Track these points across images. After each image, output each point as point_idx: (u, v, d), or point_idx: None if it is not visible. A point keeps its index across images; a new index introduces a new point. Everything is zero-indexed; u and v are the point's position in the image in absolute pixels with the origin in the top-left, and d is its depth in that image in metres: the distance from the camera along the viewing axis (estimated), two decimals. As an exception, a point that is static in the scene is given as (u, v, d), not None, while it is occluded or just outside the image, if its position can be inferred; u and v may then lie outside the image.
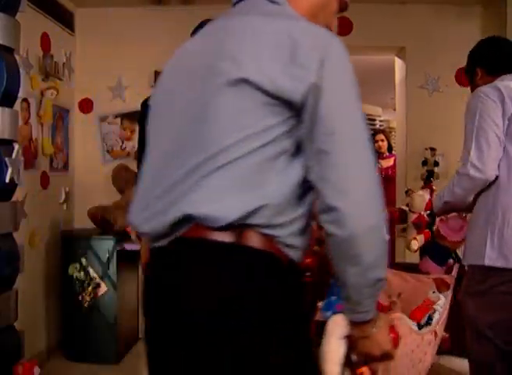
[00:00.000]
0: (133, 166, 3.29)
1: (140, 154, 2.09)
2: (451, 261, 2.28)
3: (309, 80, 0.88)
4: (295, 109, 0.89)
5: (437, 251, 2.25)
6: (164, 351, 0.91)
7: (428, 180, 3.53)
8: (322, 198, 0.88)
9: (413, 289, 1.87)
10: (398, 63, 3.89)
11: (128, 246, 3.13)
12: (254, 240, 0.87)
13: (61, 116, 3.40)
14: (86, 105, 3.61)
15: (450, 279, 1.94)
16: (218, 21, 1.04)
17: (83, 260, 3.07)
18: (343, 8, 1.16)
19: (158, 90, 1.08)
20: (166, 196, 0.91)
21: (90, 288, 3.06)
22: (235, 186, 0.87)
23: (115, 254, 3.07)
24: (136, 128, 3.51)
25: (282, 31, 0.91)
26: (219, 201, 0.86)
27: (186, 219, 0.88)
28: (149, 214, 0.93)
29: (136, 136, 3.46)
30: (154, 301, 0.93)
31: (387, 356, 0.98)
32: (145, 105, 2.08)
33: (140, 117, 2.14)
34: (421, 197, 2.47)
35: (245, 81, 0.87)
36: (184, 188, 0.89)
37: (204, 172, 0.88)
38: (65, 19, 3.48)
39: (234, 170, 0.87)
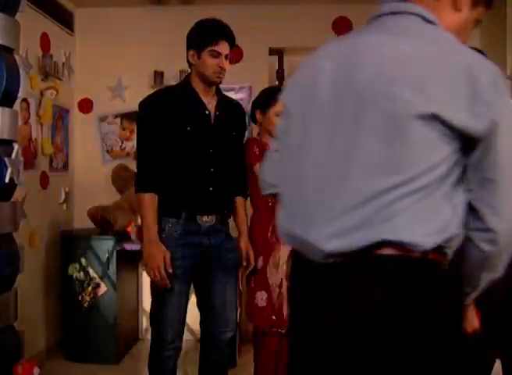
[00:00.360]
0: (132, 166, 3.28)
1: (140, 153, 2.08)
2: None
3: (490, 117, 0.95)
4: (469, 141, 0.97)
5: None
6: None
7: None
8: (482, 220, 1.00)
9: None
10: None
11: (128, 246, 3.13)
12: (439, 257, 0.98)
13: (60, 116, 3.41)
14: (85, 105, 3.62)
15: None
16: (369, 37, 1.08)
17: (83, 260, 3.08)
18: (477, 24, 1.15)
19: (296, 97, 1.11)
20: (355, 213, 0.96)
21: (89, 288, 3.07)
22: (426, 212, 0.96)
23: (114, 254, 3.08)
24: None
25: (459, 63, 0.97)
26: (416, 228, 0.95)
27: (383, 242, 0.95)
28: (338, 230, 0.97)
29: (135, 136, 3.49)
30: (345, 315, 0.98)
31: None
32: (143, 105, 2.08)
33: (138, 117, 2.14)
34: None
35: (435, 116, 0.94)
36: (377, 208, 0.95)
37: (399, 194, 0.94)
38: (65, 19, 3.49)
39: (424, 197, 0.95)
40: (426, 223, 0.95)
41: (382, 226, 0.94)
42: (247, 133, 2.43)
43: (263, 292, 2.31)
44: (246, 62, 3.51)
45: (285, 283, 2.27)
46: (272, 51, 3.66)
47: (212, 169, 2.06)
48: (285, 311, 2.26)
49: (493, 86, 0.96)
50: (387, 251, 0.95)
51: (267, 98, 2.43)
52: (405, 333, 0.95)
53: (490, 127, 0.95)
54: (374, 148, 0.96)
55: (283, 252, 2.27)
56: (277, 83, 3.81)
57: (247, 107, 3.09)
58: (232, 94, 3.32)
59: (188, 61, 2.10)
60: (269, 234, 2.31)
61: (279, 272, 2.27)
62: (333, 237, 0.97)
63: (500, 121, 0.96)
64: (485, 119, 0.95)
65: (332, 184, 0.99)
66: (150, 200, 2.00)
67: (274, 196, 1.24)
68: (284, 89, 1.22)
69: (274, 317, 2.30)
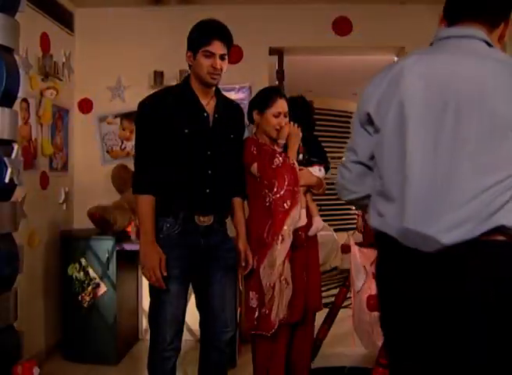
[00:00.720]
0: (132, 166, 3.29)
1: (138, 154, 2.08)
2: None
3: None
4: None
5: None
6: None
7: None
8: None
9: None
10: (398, 63, 3.90)
11: (127, 246, 3.14)
12: None
13: (60, 116, 3.41)
14: (85, 105, 3.63)
15: None
16: (448, 56, 1.28)
17: (83, 260, 3.09)
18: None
19: (388, 113, 1.28)
20: (467, 207, 1.15)
21: (89, 288, 3.08)
22: None
23: (114, 254, 3.08)
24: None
25: None
26: None
27: (496, 229, 1.14)
28: (453, 223, 1.16)
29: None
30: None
31: None
32: (142, 106, 2.08)
33: (136, 118, 2.13)
34: None
35: None
36: (486, 202, 1.14)
37: (501, 189, 1.14)
38: (65, 19, 3.49)
39: None
40: None
41: (494, 216, 1.14)
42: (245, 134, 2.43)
43: (254, 293, 2.31)
44: (246, 62, 3.52)
45: (278, 285, 2.28)
46: (272, 51, 3.66)
47: (210, 171, 2.07)
48: (273, 315, 2.27)
49: None
50: (498, 237, 1.15)
51: (264, 99, 2.44)
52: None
53: None
54: (477, 153, 1.16)
55: (280, 252, 2.28)
56: (277, 83, 3.82)
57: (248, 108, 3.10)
58: (232, 95, 3.34)
59: (188, 62, 2.11)
60: (265, 234, 2.31)
61: (274, 273, 2.28)
62: (451, 229, 1.16)
63: None
64: None
65: (442, 185, 1.18)
66: (147, 201, 2.00)
67: (354, 202, 1.49)
68: (365, 100, 1.37)
69: (258, 320, 2.29)
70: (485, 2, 1.32)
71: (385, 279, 1.34)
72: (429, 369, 1.26)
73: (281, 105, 2.40)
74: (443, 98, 1.21)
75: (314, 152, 2.58)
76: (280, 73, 3.84)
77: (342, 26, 3.57)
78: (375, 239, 1.37)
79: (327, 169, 2.63)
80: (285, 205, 2.30)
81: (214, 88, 2.13)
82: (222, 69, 2.05)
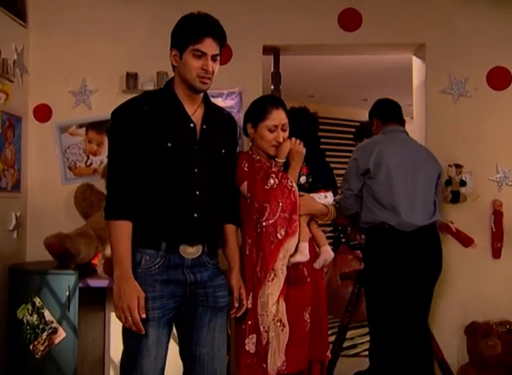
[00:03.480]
0: (99, 185, 3.33)
1: (112, 173, 2.09)
2: None
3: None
4: None
5: None
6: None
7: (453, 202, 3.58)
8: None
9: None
10: (416, 63, 3.98)
11: (93, 282, 3.12)
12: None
13: (11, 124, 3.42)
14: (42, 113, 3.65)
15: None
16: (396, 141, 3.27)
17: (37, 300, 3.07)
18: None
19: (396, 164, 3.16)
20: (425, 210, 3.13)
21: (44, 335, 3.06)
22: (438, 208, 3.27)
23: (76, 292, 3.07)
24: (106, 141, 3.54)
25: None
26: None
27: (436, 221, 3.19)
28: (421, 217, 3.08)
29: (105, 150, 3.49)
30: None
31: None
32: (116, 115, 2.10)
33: (109, 130, 2.15)
34: None
35: (439, 175, 3.31)
36: (432, 209, 3.17)
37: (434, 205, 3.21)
38: (16, 7, 3.45)
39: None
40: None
41: (435, 215, 3.15)
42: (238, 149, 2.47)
43: (254, 335, 2.33)
44: (235, 63, 3.57)
45: (273, 328, 2.29)
46: (266, 50, 3.72)
47: (198, 193, 2.09)
48: (269, 364, 2.30)
49: None
50: (433, 222, 3.15)
51: (258, 110, 2.48)
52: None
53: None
54: (423, 188, 3.14)
55: (272, 291, 2.30)
56: (272, 87, 3.87)
57: (238, 116, 3.14)
58: (219, 101, 3.39)
59: (171, 63, 2.14)
60: (258, 268, 2.33)
61: (267, 314, 2.29)
62: (420, 220, 3.06)
63: None
64: None
65: (414, 200, 3.09)
66: (123, 229, 2.02)
67: (351, 215, 3.27)
68: (364, 161, 3.17)
69: (264, 365, 2.31)
70: (400, 112, 3.41)
71: (377, 249, 3.16)
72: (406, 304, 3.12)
73: (277, 117, 2.43)
74: (406, 164, 3.14)
75: (319, 174, 2.61)
76: (276, 76, 3.89)
77: (349, 20, 3.63)
78: (367, 229, 3.20)
79: (335, 194, 2.67)
80: (278, 234, 2.33)
81: (202, 95, 2.17)
82: (213, 72, 2.10)
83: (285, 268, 2.33)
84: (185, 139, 2.10)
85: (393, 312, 3.07)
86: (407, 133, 3.33)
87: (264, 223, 2.33)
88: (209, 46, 2.07)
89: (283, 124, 2.44)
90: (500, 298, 3.59)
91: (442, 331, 3.57)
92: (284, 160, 2.46)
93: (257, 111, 2.48)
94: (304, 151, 2.47)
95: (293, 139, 2.47)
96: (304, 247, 2.42)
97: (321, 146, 2.93)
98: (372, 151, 3.12)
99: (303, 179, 2.53)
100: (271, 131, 2.43)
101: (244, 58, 3.59)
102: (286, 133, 2.46)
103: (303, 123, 2.65)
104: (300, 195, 2.44)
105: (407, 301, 3.07)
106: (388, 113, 3.36)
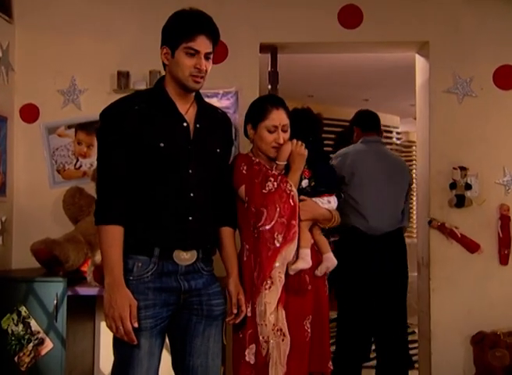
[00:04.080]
0: (89, 188, 3.32)
1: (102, 175, 2.09)
2: None
3: None
4: None
5: None
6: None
7: (458, 207, 3.58)
8: None
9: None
10: (419, 62, 3.99)
11: (82, 290, 3.12)
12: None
13: (-3, 125, 3.42)
14: (29, 113, 3.65)
15: None
16: (373, 150, 3.64)
17: (23, 309, 3.06)
18: None
19: (369, 172, 3.51)
20: (392, 218, 3.51)
21: (30, 346, 3.05)
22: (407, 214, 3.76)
23: (64, 300, 3.06)
24: (95, 142, 3.55)
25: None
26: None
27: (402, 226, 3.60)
28: (389, 224, 3.45)
29: (95, 151, 3.49)
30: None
31: None
32: (106, 115, 2.11)
33: (99, 130, 2.15)
34: None
35: (410, 184, 3.74)
36: (400, 217, 3.55)
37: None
38: (0, 2, 3.45)
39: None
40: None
41: (403, 222, 3.56)
42: (233, 150, 2.47)
43: (253, 345, 2.32)
44: (231, 62, 3.58)
45: (273, 338, 2.29)
46: (263, 48, 3.72)
47: (192, 195, 2.10)
48: (271, 374, 2.29)
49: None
50: (400, 229, 3.54)
51: (257, 110, 2.49)
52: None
53: None
54: (392, 197, 3.52)
55: (270, 300, 2.30)
56: (270, 87, 3.88)
57: (234, 117, 3.15)
58: (215, 101, 3.40)
59: (162, 61, 2.15)
60: (255, 273, 2.34)
61: (266, 324, 2.29)
62: (388, 225, 3.43)
63: None
64: None
65: (383, 207, 3.45)
66: (114, 234, 2.02)
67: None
68: (340, 169, 3.39)
69: None
70: (379, 124, 3.77)
71: (348, 249, 3.42)
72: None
73: (277, 118, 2.44)
74: (378, 174, 3.49)
75: (322, 178, 2.60)
76: (273, 75, 3.90)
77: (350, 17, 3.64)
78: (342, 231, 3.32)
79: (339, 197, 2.67)
80: (275, 241, 2.33)
81: (194, 93, 2.18)
82: (206, 71, 2.11)
83: (283, 275, 2.33)
84: (178, 139, 2.11)
85: (361, 314, 3.45)
86: (383, 144, 3.77)
87: (260, 228, 2.34)
88: (202, 44, 2.08)
89: (284, 125, 2.45)
90: (508, 307, 3.59)
91: (447, 341, 3.58)
92: (285, 163, 2.46)
93: (257, 111, 2.49)
94: (305, 153, 2.47)
95: (295, 141, 2.47)
96: (306, 253, 2.42)
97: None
98: (349, 160, 3.51)
99: (305, 182, 2.53)
100: (270, 132, 2.44)
101: (240, 57, 3.60)
102: (287, 135, 2.46)
103: (306, 124, 2.66)
104: (301, 200, 2.45)
105: (375, 303, 3.45)
106: (369, 123, 3.72)
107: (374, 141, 3.63)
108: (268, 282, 2.31)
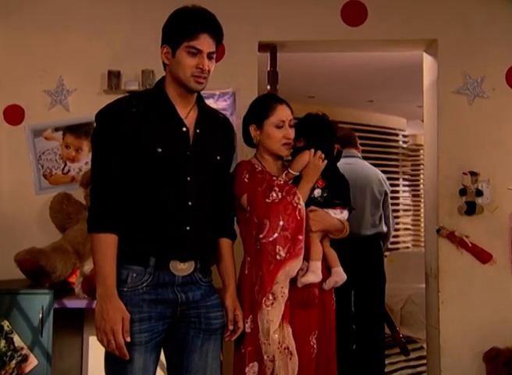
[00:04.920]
0: (78, 195, 3.33)
1: (96, 181, 2.10)
2: None
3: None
4: None
5: None
6: None
7: (468, 214, 3.58)
8: None
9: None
10: (427, 61, 4.00)
11: (70, 303, 3.11)
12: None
13: (-21, 128, 3.42)
14: (14, 114, 3.64)
15: None
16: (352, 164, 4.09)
17: (5, 324, 3.06)
18: None
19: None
20: (371, 226, 4.20)
21: (13, 363, 3.04)
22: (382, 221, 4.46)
23: (51, 314, 3.06)
24: (85, 146, 3.54)
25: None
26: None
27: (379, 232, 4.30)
28: (368, 229, 4.14)
29: (84, 155, 3.50)
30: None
31: None
32: (101, 117, 2.12)
33: (94, 134, 2.16)
34: None
35: (386, 194, 4.31)
36: (377, 224, 4.24)
37: (379, 219, 4.33)
38: None
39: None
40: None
41: (379, 227, 4.19)
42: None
43: (255, 364, 2.32)
44: (228, 62, 3.57)
45: (280, 357, 2.28)
46: (262, 47, 3.73)
47: (190, 203, 2.11)
48: None
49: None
50: (376, 234, 4.18)
51: (260, 108, 2.50)
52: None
53: None
54: (370, 205, 4.15)
55: (272, 316, 2.29)
56: (269, 87, 3.89)
57: (231, 119, 3.14)
58: (211, 103, 3.40)
59: (162, 61, 2.16)
60: (256, 288, 2.34)
61: (269, 343, 2.29)
62: (366, 230, 4.08)
63: None
64: None
65: (362, 214, 4.05)
66: (108, 242, 2.02)
67: None
68: None
69: None
70: (356, 140, 4.39)
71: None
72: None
73: (283, 113, 2.46)
74: (357, 183, 3.77)
75: (336, 190, 2.57)
76: (273, 75, 3.90)
77: (354, 14, 3.66)
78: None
79: (351, 211, 2.64)
80: (277, 255, 2.32)
81: (195, 96, 2.19)
82: (209, 72, 2.12)
83: (286, 291, 2.33)
84: (177, 144, 2.12)
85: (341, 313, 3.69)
86: (360, 158, 4.29)
87: (263, 240, 2.34)
88: (205, 43, 2.09)
89: (290, 120, 2.46)
90: (523, 321, 3.58)
91: (457, 357, 3.58)
92: (298, 174, 2.47)
93: (260, 109, 2.50)
94: (322, 166, 2.47)
95: (313, 151, 2.47)
96: (317, 267, 2.41)
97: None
98: None
99: (317, 192, 2.51)
100: (278, 127, 2.44)
101: (238, 56, 3.60)
102: (294, 131, 2.47)
103: (321, 132, 2.61)
104: (312, 210, 2.45)
105: (355, 303, 4.10)
106: (347, 140, 4.20)
107: (352, 155, 4.16)
108: (270, 298, 2.30)
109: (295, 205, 2.37)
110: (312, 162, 2.45)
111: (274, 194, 2.37)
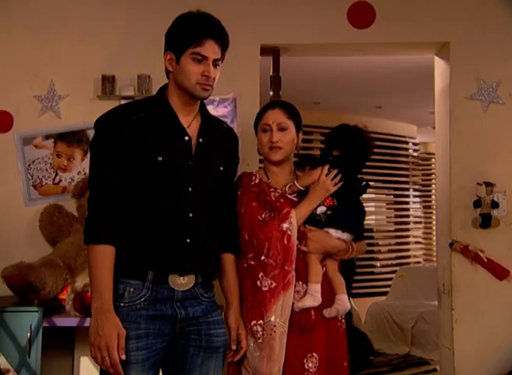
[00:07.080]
0: (69, 206, 3.34)
1: (94, 191, 2.11)
2: None
3: None
4: None
5: None
6: None
7: (483, 227, 3.58)
8: None
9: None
10: (439, 65, 4.02)
11: (60, 321, 3.11)
12: None
13: (-35, 135, 3.43)
14: (2, 121, 3.64)
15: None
16: None
17: (-9, 344, 3.05)
18: None
19: None
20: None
21: (-2, 385, 3.04)
22: None
23: (39, 333, 3.05)
24: (77, 154, 3.55)
25: None
26: None
27: None
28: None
29: (76, 164, 3.51)
30: None
31: None
32: (101, 125, 2.13)
33: (93, 142, 2.18)
34: None
35: None
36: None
37: None
38: None
39: None
40: None
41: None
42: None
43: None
44: (229, 66, 3.46)
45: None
46: (264, 51, 3.76)
47: (191, 215, 2.13)
48: None
49: None
50: None
51: (257, 117, 2.58)
52: None
53: None
54: None
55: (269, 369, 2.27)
56: (271, 93, 3.90)
57: (232, 126, 3.16)
58: (211, 109, 3.37)
59: (165, 67, 2.19)
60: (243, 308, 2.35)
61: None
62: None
63: None
64: None
65: None
66: (105, 254, 2.03)
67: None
68: None
69: None
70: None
71: None
72: None
73: (271, 117, 2.49)
74: None
75: (343, 212, 2.48)
76: (275, 80, 3.92)
77: (361, 16, 3.68)
78: None
79: (358, 239, 2.54)
80: (258, 281, 2.32)
81: (198, 105, 2.23)
82: (214, 79, 2.16)
83: (281, 329, 2.30)
84: (178, 154, 2.14)
85: None
86: None
87: (250, 262, 2.35)
88: (211, 49, 2.12)
89: (279, 123, 2.46)
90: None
91: (472, 381, 3.56)
92: (303, 189, 2.46)
93: (256, 117, 2.57)
94: (332, 190, 2.42)
95: (326, 169, 2.43)
96: (316, 290, 2.37)
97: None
98: None
99: (321, 209, 2.45)
100: (263, 131, 2.49)
101: (239, 60, 3.57)
102: (288, 136, 2.47)
103: (358, 148, 2.52)
104: (310, 230, 2.42)
105: None
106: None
107: None
108: (259, 335, 2.30)
109: (285, 230, 2.34)
110: (322, 181, 2.43)
111: (264, 214, 2.39)
